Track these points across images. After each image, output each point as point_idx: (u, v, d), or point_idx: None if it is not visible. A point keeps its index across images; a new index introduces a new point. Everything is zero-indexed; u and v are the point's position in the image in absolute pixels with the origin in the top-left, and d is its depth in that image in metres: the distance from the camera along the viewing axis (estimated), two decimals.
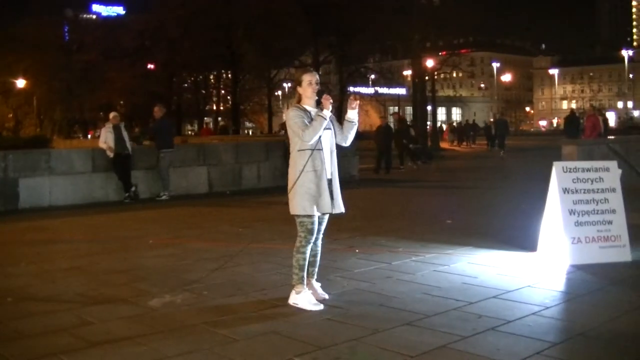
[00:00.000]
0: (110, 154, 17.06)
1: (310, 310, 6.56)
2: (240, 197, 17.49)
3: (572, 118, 34.73)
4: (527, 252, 9.18)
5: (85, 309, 6.83)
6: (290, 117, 6.72)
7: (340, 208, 6.96)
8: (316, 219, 6.78)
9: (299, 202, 6.65)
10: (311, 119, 6.66)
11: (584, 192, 8.78)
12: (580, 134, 31.53)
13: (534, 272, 8.15)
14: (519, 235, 10.26)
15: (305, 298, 6.71)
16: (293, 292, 6.78)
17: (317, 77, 6.91)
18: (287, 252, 8.07)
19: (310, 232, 6.74)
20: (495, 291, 7.22)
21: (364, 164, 25.25)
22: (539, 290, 7.32)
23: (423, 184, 22.07)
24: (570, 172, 8.85)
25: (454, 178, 23.97)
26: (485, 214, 13.72)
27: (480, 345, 5.53)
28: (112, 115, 18.09)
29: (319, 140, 6.68)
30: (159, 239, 11.24)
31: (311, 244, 6.83)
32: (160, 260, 9.35)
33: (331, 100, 6.68)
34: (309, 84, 6.78)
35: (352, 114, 6.91)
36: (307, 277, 6.91)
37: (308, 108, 6.79)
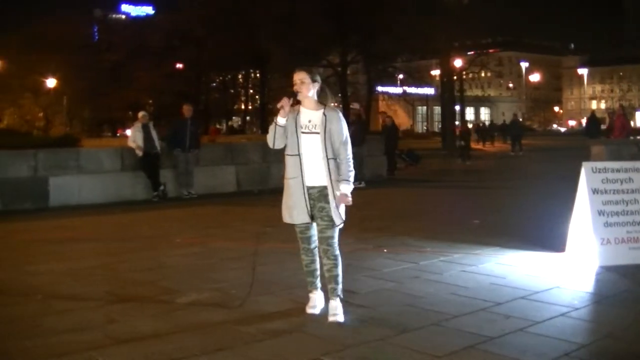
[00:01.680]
0: (139, 153, 17.13)
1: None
2: (267, 196, 17.45)
3: (593, 119, 35.34)
4: (555, 252, 9.11)
5: (112, 307, 6.86)
6: None
7: (338, 219, 6.26)
8: (307, 228, 6.36)
9: (284, 210, 6.42)
10: (292, 122, 6.27)
11: (613, 193, 8.70)
12: (600, 135, 32.50)
13: (562, 273, 8.09)
14: (547, 235, 10.18)
15: (308, 301, 6.57)
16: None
17: (303, 75, 6.37)
18: None
19: (301, 240, 6.44)
20: (524, 292, 7.17)
21: None
22: (568, 291, 7.26)
23: (450, 183, 22.00)
24: (599, 172, 8.77)
25: (481, 178, 23.85)
26: (513, 213, 13.64)
27: (508, 346, 5.50)
28: (140, 114, 18.15)
29: (296, 145, 6.24)
30: (186, 237, 11.27)
31: (308, 253, 6.45)
32: (187, 259, 9.38)
33: (283, 105, 6.22)
34: (295, 82, 6.39)
35: (344, 189, 6.28)
36: (329, 295, 6.35)
37: (303, 109, 6.35)
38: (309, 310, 6.48)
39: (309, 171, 6.25)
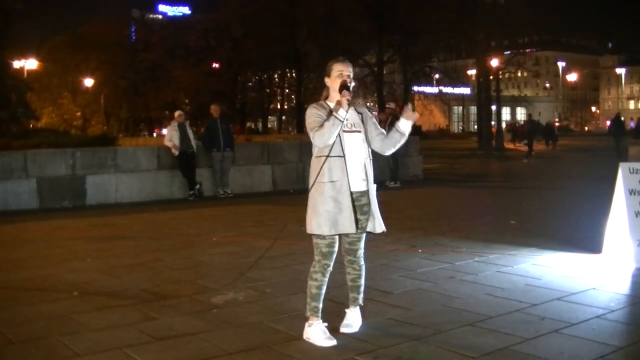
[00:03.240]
0: (176, 152, 17.26)
1: (322, 347, 5.59)
2: (303, 195, 17.47)
3: (617, 120, 36.53)
4: (591, 254, 9.05)
5: (149, 305, 6.92)
6: (307, 115, 5.71)
7: (379, 227, 5.80)
8: (335, 241, 5.72)
9: (312, 219, 5.67)
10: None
11: None
12: (624, 135, 34.69)
13: (598, 274, 8.03)
14: (583, 236, 10.12)
15: (316, 332, 5.69)
16: (306, 324, 5.81)
17: (351, 69, 5.77)
18: None
19: (325, 256, 5.69)
20: (559, 293, 7.13)
21: (427, 164, 25.10)
22: (604, 293, 7.21)
23: (486, 184, 21.92)
24: (637, 173, 8.68)
25: (516, 178, 23.74)
26: (549, 214, 13.56)
27: (543, 347, 5.48)
28: (177, 113, 18.29)
29: (339, 145, 5.60)
30: (222, 236, 11.33)
31: (327, 272, 5.77)
32: (224, 258, 9.43)
33: (349, 97, 5.53)
34: (339, 74, 5.67)
35: (406, 126, 5.75)
36: (349, 304, 6.04)
37: (334, 106, 5.65)
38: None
39: (353, 174, 5.66)
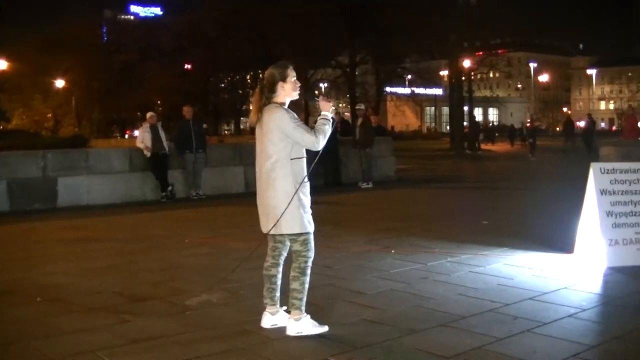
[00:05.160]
0: (148, 154, 17.20)
1: (318, 334, 5.87)
2: None
3: (568, 121, 40.83)
4: (563, 253, 9.11)
5: (122, 307, 6.89)
6: (288, 119, 5.79)
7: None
8: None
9: (303, 217, 5.86)
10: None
11: (622, 194, 8.69)
12: (574, 137, 38.03)
13: (570, 274, 8.09)
14: (555, 236, 10.18)
15: (308, 323, 5.92)
16: (291, 321, 5.93)
17: None
18: (324, 253, 8.11)
19: (313, 248, 5.99)
20: (532, 293, 7.17)
21: (400, 164, 25.16)
22: (576, 292, 7.27)
23: (458, 184, 22.00)
24: (608, 173, 8.75)
25: (489, 178, 23.85)
26: (521, 214, 13.63)
27: (516, 347, 5.51)
28: (149, 115, 18.20)
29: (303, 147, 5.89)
30: (195, 238, 11.30)
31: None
32: (197, 259, 9.41)
33: (331, 102, 5.97)
34: (295, 80, 5.95)
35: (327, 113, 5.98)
36: (275, 305, 6.16)
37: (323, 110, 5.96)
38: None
39: None
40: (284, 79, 5.90)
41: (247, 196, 18.09)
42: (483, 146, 51.76)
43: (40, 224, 13.43)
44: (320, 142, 5.77)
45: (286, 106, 5.96)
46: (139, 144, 17.44)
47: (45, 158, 16.26)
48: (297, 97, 6.05)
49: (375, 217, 13.48)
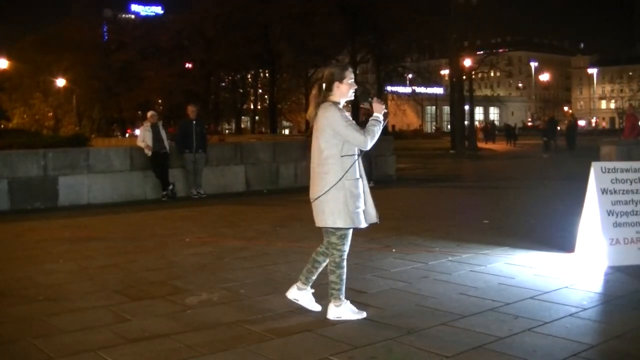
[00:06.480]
0: (148, 153, 17.18)
1: (358, 320, 6.23)
2: (277, 196, 17.54)
3: (552, 121, 41.21)
4: (564, 252, 9.11)
5: (122, 306, 6.89)
6: (340, 118, 6.05)
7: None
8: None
9: (346, 214, 6.11)
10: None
11: (623, 193, 8.69)
12: (556, 136, 38.98)
13: (571, 273, 8.09)
14: (556, 235, 10.19)
15: (348, 309, 6.29)
16: (332, 306, 6.28)
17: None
18: None
19: (349, 243, 6.29)
20: (532, 292, 7.17)
21: (401, 164, 25.14)
22: (577, 291, 7.26)
23: (459, 183, 22.00)
24: (609, 172, 8.75)
25: (489, 177, 23.83)
26: (522, 213, 13.63)
27: (517, 346, 5.50)
28: (149, 114, 18.18)
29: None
30: (195, 237, 11.29)
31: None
32: (197, 258, 9.40)
33: (383, 104, 6.27)
34: (352, 82, 6.21)
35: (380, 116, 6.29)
36: (306, 284, 6.54)
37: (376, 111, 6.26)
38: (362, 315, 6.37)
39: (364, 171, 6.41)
40: (341, 79, 6.18)
41: (248, 195, 18.15)
42: (483, 145, 51.83)
43: (41, 223, 13.42)
44: (368, 142, 6.06)
45: (341, 105, 6.22)
46: (140, 143, 17.42)
47: (46, 157, 16.24)
48: (352, 97, 6.28)
49: None
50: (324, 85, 6.20)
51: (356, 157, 6.19)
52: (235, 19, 64.56)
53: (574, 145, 38.86)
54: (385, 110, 6.27)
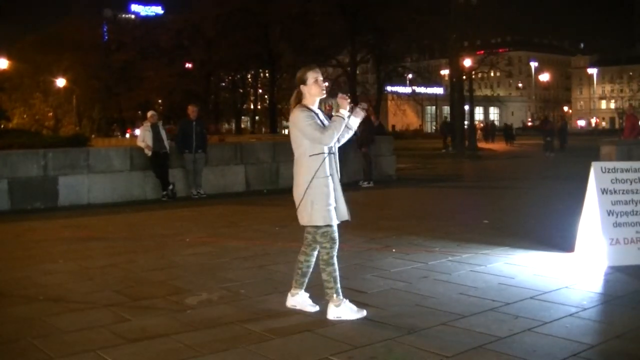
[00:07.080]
0: (148, 153, 17.18)
1: (357, 319, 6.26)
2: (277, 196, 17.52)
3: (545, 120, 44.46)
4: (564, 252, 9.11)
5: (122, 306, 6.89)
6: (301, 118, 6.19)
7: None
8: (337, 227, 6.37)
9: (318, 212, 6.20)
10: (320, 121, 6.26)
11: (623, 193, 8.69)
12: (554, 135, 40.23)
13: (571, 273, 8.09)
14: (556, 235, 10.19)
15: (347, 309, 6.30)
16: (332, 306, 6.30)
17: (321, 74, 6.44)
18: None
19: (335, 241, 6.30)
20: (532, 292, 7.17)
21: (400, 164, 25.14)
22: (577, 291, 7.26)
23: (459, 183, 22.00)
24: (609, 172, 8.75)
25: (489, 177, 23.84)
26: (522, 213, 13.64)
27: (517, 346, 5.51)
28: (149, 114, 18.18)
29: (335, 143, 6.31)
30: (195, 237, 11.30)
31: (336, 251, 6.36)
32: (197, 258, 9.40)
33: (348, 100, 6.28)
34: (315, 81, 6.28)
35: (354, 122, 6.40)
36: (298, 288, 6.62)
37: (313, 108, 6.33)
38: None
39: (338, 169, 6.43)
40: (303, 82, 6.32)
41: (248, 195, 18.16)
42: (483, 145, 51.98)
43: (41, 223, 13.41)
44: (326, 139, 6.15)
45: (316, 105, 6.39)
46: (140, 143, 17.41)
47: (46, 157, 16.23)
48: (324, 95, 6.37)
49: (376, 216, 13.47)
50: (296, 91, 6.39)
51: (325, 155, 6.26)
52: (235, 19, 64.57)
53: (565, 144, 41.94)
54: (363, 106, 6.47)
